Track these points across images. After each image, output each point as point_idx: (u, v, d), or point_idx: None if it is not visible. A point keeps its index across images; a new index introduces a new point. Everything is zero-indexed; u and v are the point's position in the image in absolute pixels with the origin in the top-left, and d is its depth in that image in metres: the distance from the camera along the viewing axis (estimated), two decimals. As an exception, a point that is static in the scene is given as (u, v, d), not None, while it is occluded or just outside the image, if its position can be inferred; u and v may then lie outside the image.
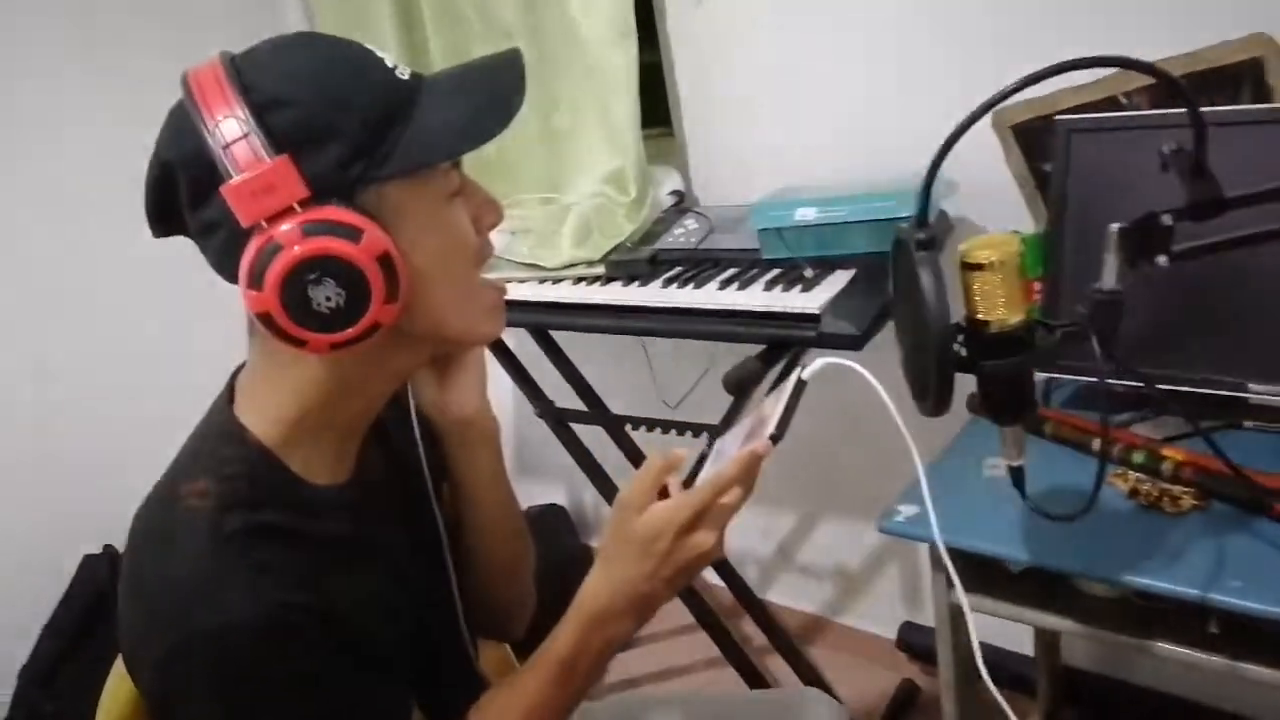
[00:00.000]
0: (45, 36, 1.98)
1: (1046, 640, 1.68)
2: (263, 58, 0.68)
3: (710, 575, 2.10)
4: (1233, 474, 0.95)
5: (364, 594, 0.76)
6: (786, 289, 1.37)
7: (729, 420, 1.46)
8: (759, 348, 1.38)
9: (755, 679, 1.83)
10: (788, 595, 2.22)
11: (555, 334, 1.82)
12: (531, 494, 2.50)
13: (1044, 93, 1.31)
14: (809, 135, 1.71)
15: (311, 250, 0.64)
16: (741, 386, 1.33)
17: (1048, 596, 1.10)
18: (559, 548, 2.33)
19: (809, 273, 1.40)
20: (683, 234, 1.65)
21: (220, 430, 0.74)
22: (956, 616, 1.16)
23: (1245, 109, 1.21)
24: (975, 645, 0.84)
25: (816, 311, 1.29)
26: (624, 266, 1.57)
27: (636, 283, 1.53)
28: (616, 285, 1.55)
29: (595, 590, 0.77)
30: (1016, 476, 0.86)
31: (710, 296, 1.41)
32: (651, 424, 1.61)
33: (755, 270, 1.47)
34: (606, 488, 1.75)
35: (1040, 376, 1.17)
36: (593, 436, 1.81)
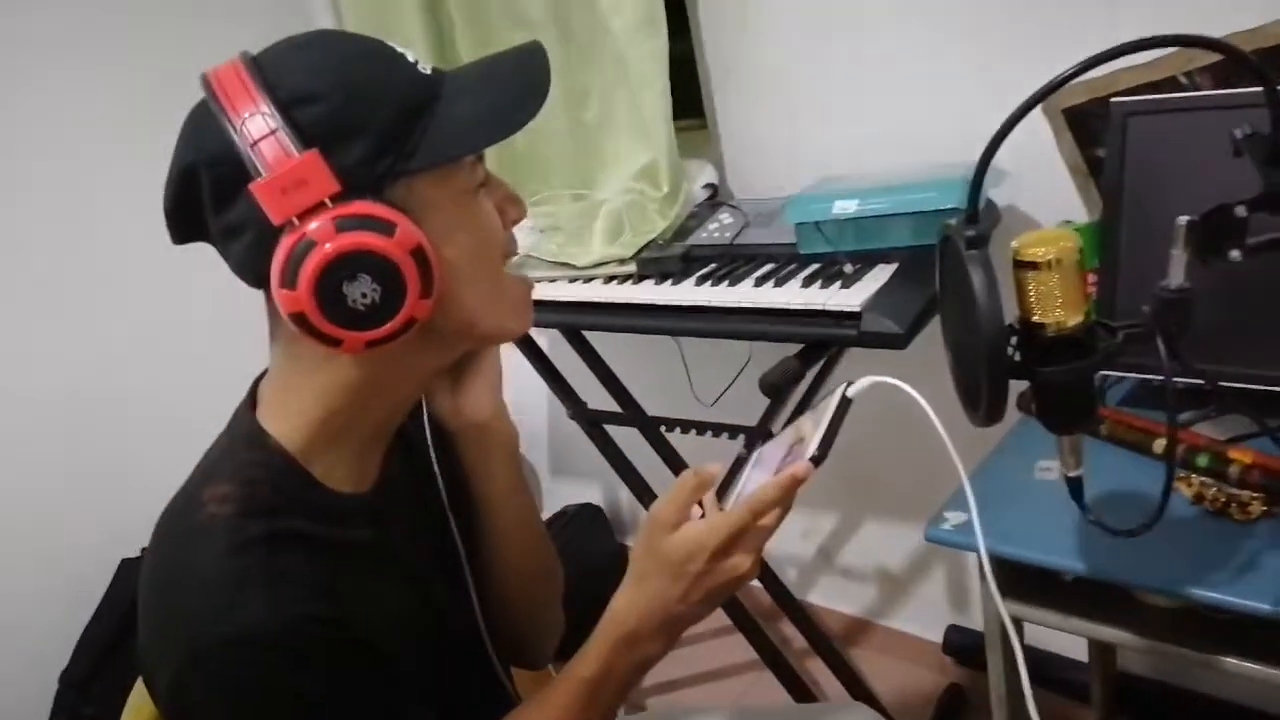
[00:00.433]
0: (59, 38, 1.97)
1: (1101, 646, 1.62)
2: (283, 55, 0.68)
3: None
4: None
5: (386, 606, 0.74)
6: (825, 285, 1.32)
7: (765, 422, 1.41)
8: (797, 347, 1.33)
9: (795, 683, 1.79)
10: (829, 597, 2.17)
11: (587, 334, 1.78)
12: (567, 494, 2.48)
13: (1098, 73, 1.24)
14: (847, 124, 1.65)
15: (346, 246, 0.63)
16: (778, 388, 1.28)
17: (1104, 606, 1.05)
18: (595, 548, 2.30)
19: (848, 268, 1.35)
20: (717, 229, 1.60)
21: (243, 436, 0.73)
22: (1006, 628, 1.11)
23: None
24: (1022, 668, 0.78)
25: (857, 309, 1.24)
26: (656, 264, 1.53)
27: (669, 281, 1.48)
28: (649, 283, 1.50)
29: (625, 610, 0.75)
30: (1074, 488, 0.81)
31: (745, 294, 1.36)
32: (686, 425, 1.57)
33: (792, 266, 1.42)
34: (641, 490, 1.71)
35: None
36: (627, 436, 1.78)
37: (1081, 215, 1.37)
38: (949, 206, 1.28)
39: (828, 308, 1.27)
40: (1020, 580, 1.05)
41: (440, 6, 1.95)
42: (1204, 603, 0.89)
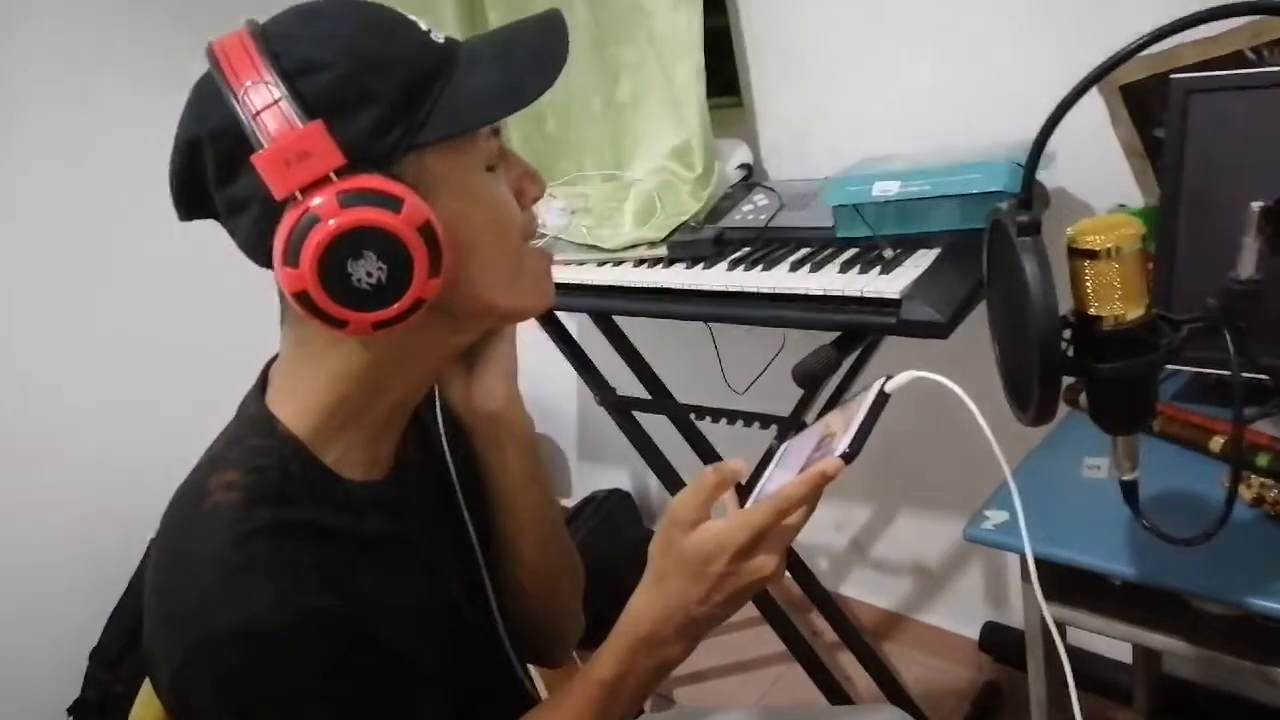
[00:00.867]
0: (65, 27, 1.96)
1: (1147, 648, 1.56)
2: (291, 23, 0.65)
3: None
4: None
5: (399, 598, 0.71)
6: (864, 270, 1.27)
7: (799, 412, 1.37)
8: (833, 334, 1.29)
9: (825, 677, 1.75)
10: (862, 590, 2.12)
11: (617, 318, 1.74)
12: (596, 479, 2.46)
13: (1157, 48, 1.18)
14: (889, 103, 1.59)
15: (351, 222, 0.60)
16: (813, 378, 1.23)
17: (1153, 611, 1.00)
18: (623, 535, 2.27)
19: (888, 253, 1.29)
20: (751, 211, 1.55)
21: (251, 422, 0.71)
22: (1048, 633, 1.07)
23: None
24: (1069, 673, 0.73)
25: (897, 296, 1.19)
26: (688, 247, 1.48)
27: (701, 264, 1.44)
28: (680, 267, 1.46)
29: (643, 612, 0.71)
30: (1129, 492, 0.76)
31: (780, 279, 1.31)
32: (717, 414, 1.53)
33: (829, 250, 1.36)
34: (670, 479, 1.67)
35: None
36: (657, 422, 1.74)
37: (1137, 199, 1.31)
38: (996, 189, 1.22)
39: (866, 294, 1.22)
40: (1065, 582, 1.01)
41: (471, -18, 1.91)
42: (1264, 613, 0.85)
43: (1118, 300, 0.67)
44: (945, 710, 1.80)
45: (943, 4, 1.48)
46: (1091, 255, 0.66)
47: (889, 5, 1.54)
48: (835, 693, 1.73)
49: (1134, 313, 0.67)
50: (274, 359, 0.75)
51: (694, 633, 0.71)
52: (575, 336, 1.74)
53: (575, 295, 1.54)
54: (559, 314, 1.69)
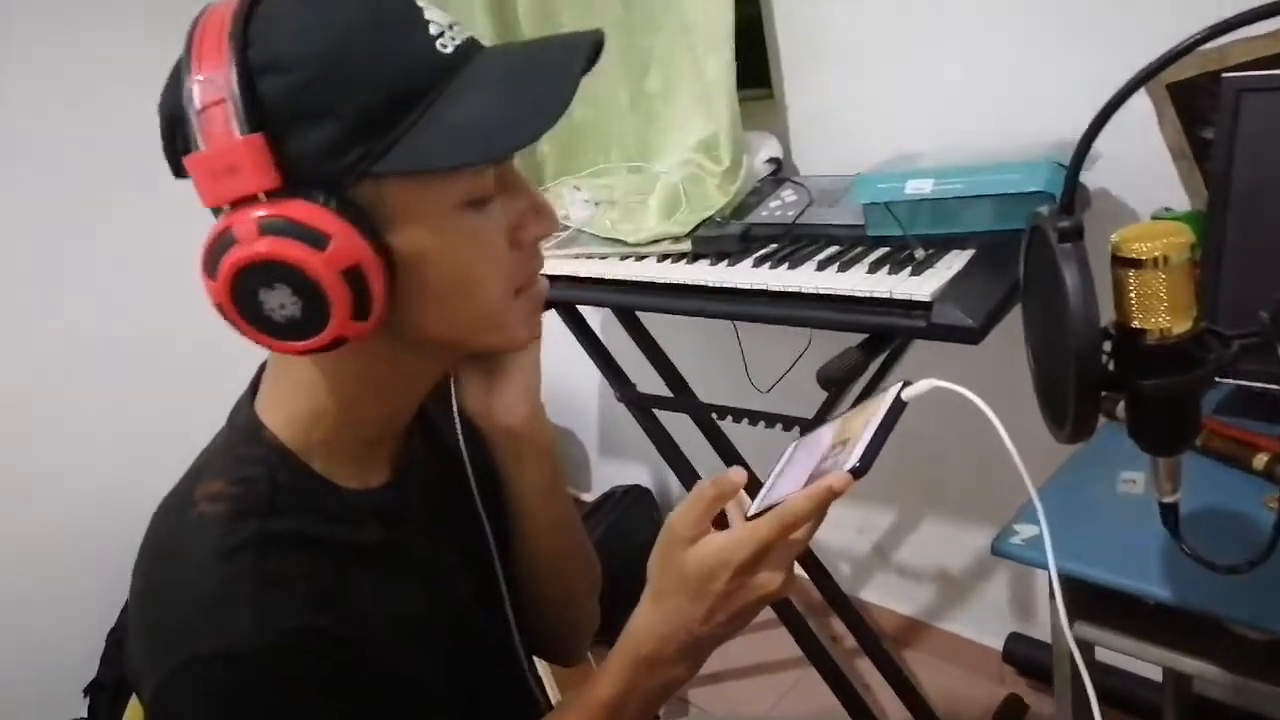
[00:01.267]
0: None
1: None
2: (285, 7, 0.58)
3: (798, 569, 1.98)
4: None
5: (394, 611, 0.68)
6: (894, 271, 1.23)
7: (822, 415, 1.33)
8: (860, 336, 1.25)
9: (842, 683, 1.71)
10: (884, 595, 2.09)
11: (640, 314, 1.72)
12: (615, 474, 2.44)
13: (1208, 45, 1.13)
14: (923, 98, 1.55)
15: (262, 254, 0.56)
16: (838, 381, 1.20)
17: (1187, 633, 0.96)
18: (640, 531, 2.25)
19: (920, 253, 1.25)
20: (779, 207, 1.51)
21: (239, 429, 0.68)
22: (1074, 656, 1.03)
23: None
24: (1093, 699, 0.69)
25: (928, 299, 1.15)
26: (713, 243, 1.45)
27: (726, 261, 1.40)
28: (704, 263, 1.43)
29: (643, 631, 0.68)
30: (1168, 515, 0.72)
31: (807, 278, 1.28)
32: (739, 414, 1.49)
33: (859, 249, 1.33)
34: (690, 478, 1.65)
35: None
36: (679, 416, 1.72)
37: (1182, 202, 1.26)
38: (1034, 189, 1.18)
39: (895, 296, 1.18)
40: (1094, 600, 0.97)
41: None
42: (1309, 644, 0.80)
43: (1163, 312, 0.63)
44: (966, 719, 1.76)
45: (979, 1, 1.43)
46: (1137, 264, 0.62)
47: (926, 1, 1.49)
48: (853, 700, 1.69)
49: (1180, 326, 0.63)
50: (265, 363, 0.72)
51: (697, 653, 0.68)
52: (597, 331, 1.71)
53: (598, 290, 1.51)
54: (581, 308, 1.67)
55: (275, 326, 0.58)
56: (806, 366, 1.52)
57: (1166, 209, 1.24)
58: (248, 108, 0.55)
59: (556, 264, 1.55)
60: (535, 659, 0.94)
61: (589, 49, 0.60)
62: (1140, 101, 1.24)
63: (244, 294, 0.57)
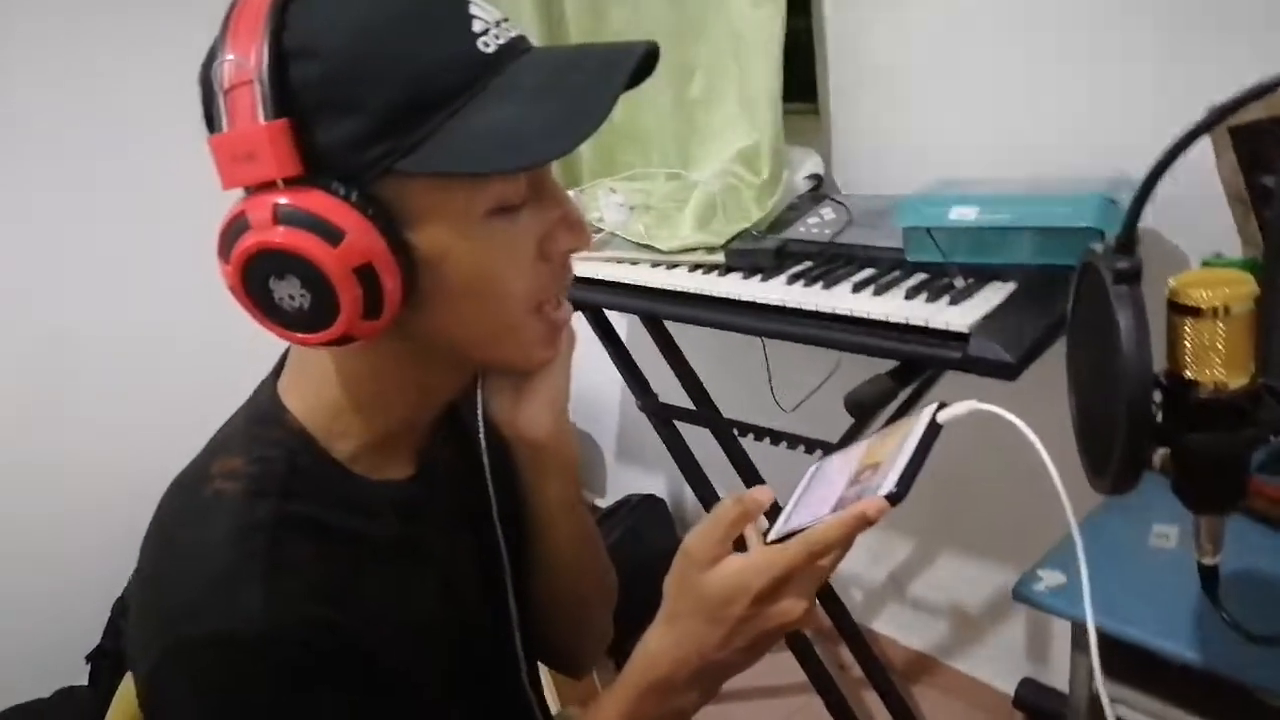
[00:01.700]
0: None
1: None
2: None
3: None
4: None
5: (409, 609, 0.67)
6: (931, 299, 1.19)
7: (847, 441, 1.29)
8: (891, 363, 1.21)
9: (845, 714, 1.68)
10: (895, 627, 2.04)
11: (667, 323, 1.69)
12: (631, 482, 2.41)
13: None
14: (973, 122, 1.51)
15: (275, 242, 0.55)
16: (866, 407, 1.17)
17: (1212, 697, 0.92)
18: (653, 542, 2.22)
19: (960, 282, 1.22)
20: (817, 224, 1.48)
21: (261, 409, 0.67)
22: (1097, 709, 0.99)
23: None
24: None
25: (965, 330, 1.11)
26: (747, 256, 1.42)
27: (759, 276, 1.37)
28: (736, 277, 1.40)
29: (657, 654, 0.65)
30: (1208, 578, 0.68)
31: (841, 299, 1.25)
32: (761, 432, 1.46)
33: (896, 273, 1.29)
34: (707, 494, 1.62)
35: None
36: (699, 429, 1.69)
37: (1235, 248, 1.21)
38: (1083, 225, 1.14)
39: (931, 325, 1.14)
40: (1115, 657, 0.93)
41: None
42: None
43: (1219, 365, 0.60)
44: (971, 764, 1.72)
45: (1036, 26, 1.39)
46: (1195, 313, 0.59)
47: (981, 24, 1.46)
48: (856, 732, 1.66)
49: (1236, 381, 0.60)
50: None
51: (710, 681, 0.65)
52: (623, 337, 1.69)
53: (627, 295, 1.49)
54: (607, 312, 1.64)
55: (285, 316, 0.57)
56: (833, 389, 1.48)
57: (1218, 254, 1.19)
58: (276, 92, 0.54)
59: (586, 267, 1.53)
60: (540, 668, 0.91)
61: (637, 61, 0.58)
62: (1199, 142, 1.20)
63: (255, 281, 0.56)
